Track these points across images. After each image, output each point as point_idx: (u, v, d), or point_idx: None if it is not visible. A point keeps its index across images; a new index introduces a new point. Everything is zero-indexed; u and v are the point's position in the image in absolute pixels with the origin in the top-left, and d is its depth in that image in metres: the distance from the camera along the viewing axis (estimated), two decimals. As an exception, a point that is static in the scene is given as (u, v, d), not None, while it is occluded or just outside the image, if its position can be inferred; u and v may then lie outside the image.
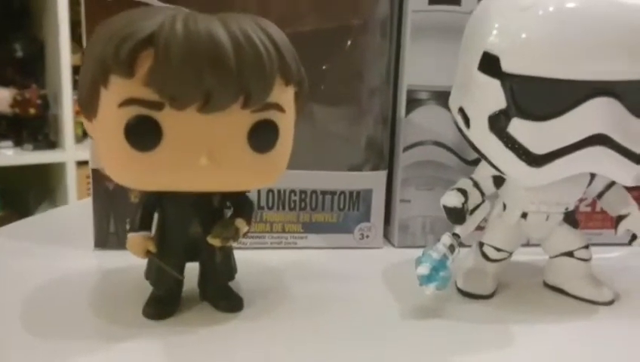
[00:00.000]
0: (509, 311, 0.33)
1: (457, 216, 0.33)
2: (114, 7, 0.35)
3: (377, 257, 0.41)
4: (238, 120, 0.26)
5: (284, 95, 0.27)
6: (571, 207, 0.34)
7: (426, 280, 0.30)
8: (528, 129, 0.29)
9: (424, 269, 0.30)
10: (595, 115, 0.28)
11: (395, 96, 0.41)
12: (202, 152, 0.26)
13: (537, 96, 0.28)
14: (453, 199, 0.33)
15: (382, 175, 0.41)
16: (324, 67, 0.40)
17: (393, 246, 0.42)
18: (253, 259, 0.38)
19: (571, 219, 0.34)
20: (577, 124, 0.28)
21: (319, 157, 0.40)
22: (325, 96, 0.40)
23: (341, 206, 0.41)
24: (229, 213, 0.31)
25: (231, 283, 0.32)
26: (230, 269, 0.32)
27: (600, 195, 0.34)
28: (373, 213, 0.41)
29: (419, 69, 0.40)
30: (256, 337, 0.29)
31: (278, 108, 0.27)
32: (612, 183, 0.33)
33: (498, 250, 0.34)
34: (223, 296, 0.31)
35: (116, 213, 0.38)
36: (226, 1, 0.37)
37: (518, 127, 0.29)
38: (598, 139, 0.28)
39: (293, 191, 0.40)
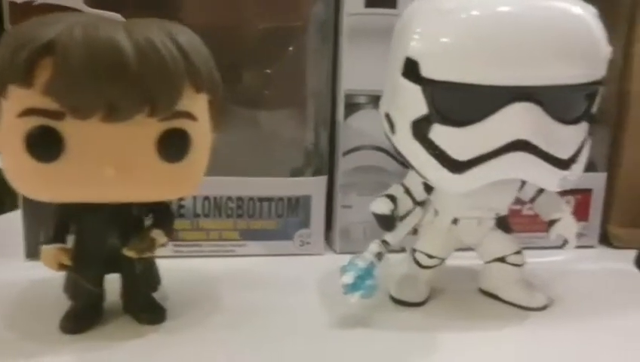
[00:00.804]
0: (442, 318, 0.32)
1: (386, 222, 0.32)
2: (38, 12, 0.35)
3: (318, 264, 0.40)
4: (145, 129, 0.25)
5: (195, 103, 0.27)
6: (503, 213, 0.33)
7: (350, 288, 0.30)
8: (449, 135, 0.28)
9: (348, 278, 0.30)
10: (516, 121, 0.27)
11: (334, 100, 0.40)
12: (108, 163, 0.25)
13: (457, 102, 0.28)
14: (381, 206, 0.32)
15: (321, 180, 0.41)
16: (267, 71, 0.40)
17: (335, 253, 0.42)
18: (188, 268, 0.37)
19: (504, 224, 0.34)
20: (498, 129, 0.28)
21: (260, 162, 0.39)
22: (268, 100, 0.39)
23: (279, 212, 0.40)
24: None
25: (162, 294, 0.31)
26: (152, 280, 0.31)
27: (532, 200, 0.34)
28: (313, 219, 0.41)
29: (356, 72, 0.39)
30: (180, 350, 0.28)
31: (189, 116, 0.26)
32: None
33: (430, 256, 0.34)
34: (145, 307, 0.31)
35: (46, 223, 0.37)
36: (170, 4, 0.37)
37: (439, 133, 0.28)
38: (520, 145, 0.28)
39: (229, 199, 0.39)
